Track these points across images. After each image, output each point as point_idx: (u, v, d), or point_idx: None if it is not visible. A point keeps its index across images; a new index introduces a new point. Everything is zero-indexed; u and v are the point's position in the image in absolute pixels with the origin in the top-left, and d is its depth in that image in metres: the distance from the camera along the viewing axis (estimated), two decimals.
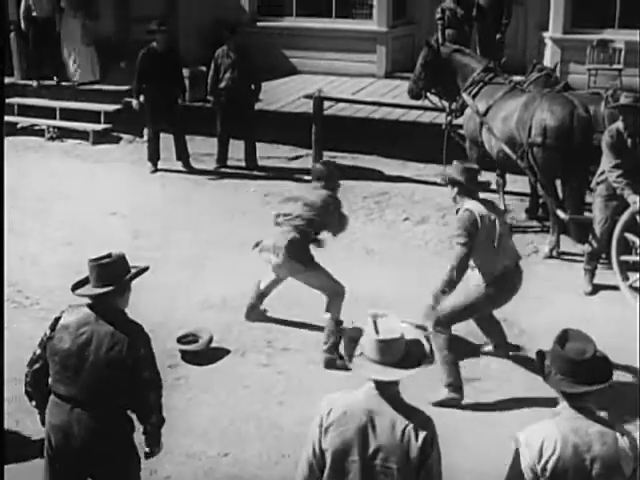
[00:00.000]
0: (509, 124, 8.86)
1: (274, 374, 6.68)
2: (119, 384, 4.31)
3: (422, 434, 3.58)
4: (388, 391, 3.63)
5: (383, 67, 14.30)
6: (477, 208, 6.08)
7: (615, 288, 7.88)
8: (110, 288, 4.33)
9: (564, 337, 3.60)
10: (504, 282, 6.20)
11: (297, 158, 12.04)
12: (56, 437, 4.39)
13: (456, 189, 6.16)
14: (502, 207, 9.70)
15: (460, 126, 9.85)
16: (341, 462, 3.62)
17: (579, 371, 3.53)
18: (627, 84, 11.95)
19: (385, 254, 8.94)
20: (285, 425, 6.00)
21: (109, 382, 4.29)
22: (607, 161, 7.77)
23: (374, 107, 12.06)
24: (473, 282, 6.24)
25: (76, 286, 4.46)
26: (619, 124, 7.80)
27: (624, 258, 7.82)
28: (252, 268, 8.45)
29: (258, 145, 11.77)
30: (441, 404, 6.10)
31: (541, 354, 3.69)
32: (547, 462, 3.47)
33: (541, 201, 9.58)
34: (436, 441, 3.64)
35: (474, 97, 9.36)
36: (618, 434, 3.51)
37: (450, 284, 6.13)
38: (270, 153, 12.11)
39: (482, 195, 6.32)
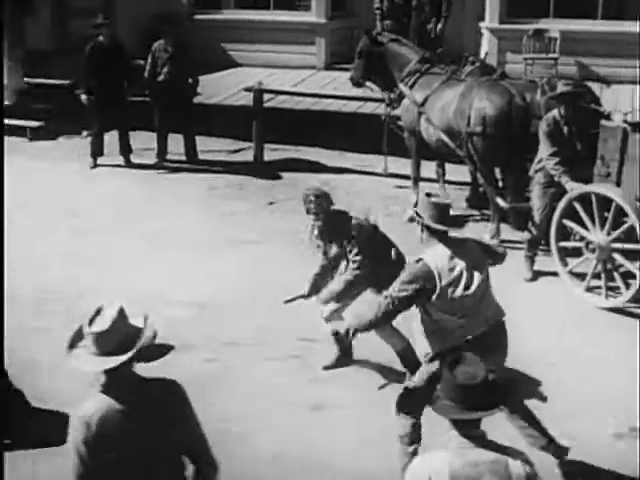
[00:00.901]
0: (447, 113, 8.94)
1: (221, 369, 6.67)
2: None
3: (173, 399, 3.70)
4: (119, 377, 3.66)
5: (323, 59, 14.31)
6: (436, 259, 4.99)
7: (555, 274, 8.01)
8: None
9: (455, 361, 3.46)
10: (480, 346, 4.84)
11: (238, 151, 12.01)
12: None
13: (421, 227, 5.13)
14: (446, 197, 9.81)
15: (399, 117, 9.90)
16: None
17: (468, 397, 3.37)
18: (563, 73, 12.13)
19: None
20: (233, 419, 5.99)
21: None
22: (544, 149, 7.89)
23: (315, 99, 12.07)
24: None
25: None
26: (555, 112, 7.92)
27: (563, 244, 7.95)
28: (196, 262, 8.47)
29: (199, 139, 11.71)
30: None
31: (435, 378, 3.54)
32: None
33: (481, 190, 9.69)
34: (185, 395, 3.77)
35: (411, 87, 9.41)
36: (510, 460, 3.36)
37: (364, 329, 5.25)
38: (211, 146, 12.05)
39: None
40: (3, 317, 5.56)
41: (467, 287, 4.95)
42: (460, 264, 4.96)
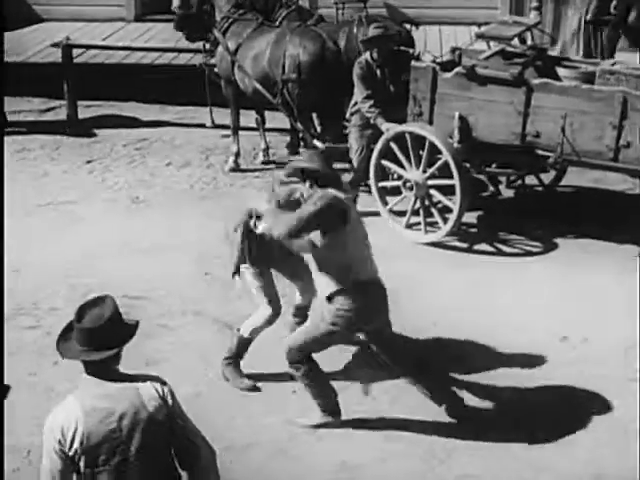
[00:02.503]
0: (261, 62, 8.89)
1: (44, 335, 6.46)
2: None
3: None
4: None
5: (132, 10, 13.88)
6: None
7: (377, 214, 8.18)
8: None
9: (82, 309, 3.46)
10: (365, 296, 5.13)
11: (50, 110, 11.55)
12: None
13: (310, 182, 5.14)
14: (263, 145, 9.80)
15: (214, 65, 9.75)
16: None
17: (95, 338, 3.40)
18: (373, 15, 12.27)
19: (151, 201, 8.81)
20: (60, 384, 5.84)
21: None
22: (359, 92, 8.01)
23: (127, 52, 11.74)
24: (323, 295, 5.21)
25: None
26: (367, 56, 8.03)
27: (382, 184, 8.13)
28: (12, 227, 8.10)
29: (8, 99, 11.14)
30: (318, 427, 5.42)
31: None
32: (73, 441, 3.32)
33: (301, 135, 9.74)
34: None
35: (224, 34, 9.28)
36: (141, 384, 3.44)
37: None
38: (21, 107, 11.53)
39: None
40: (3, 317, 5.51)
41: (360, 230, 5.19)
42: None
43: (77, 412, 3.34)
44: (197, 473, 3.49)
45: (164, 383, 3.50)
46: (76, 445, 3.32)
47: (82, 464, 3.35)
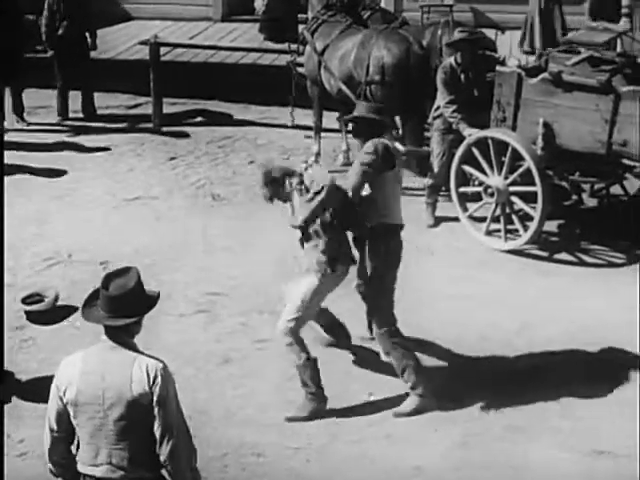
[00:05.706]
0: (347, 63, 8.92)
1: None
2: None
3: None
4: None
5: (219, 10, 14.08)
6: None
7: (456, 219, 8.15)
8: None
9: (108, 278, 3.65)
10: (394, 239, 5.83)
11: (137, 106, 11.77)
12: None
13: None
14: (344, 146, 9.83)
15: (301, 65, 9.83)
16: None
17: (118, 306, 3.60)
18: (458, 19, 12.20)
19: (231, 199, 8.93)
20: None
21: None
22: (442, 97, 7.98)
23: (212, 51, 11.92)
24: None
25: None
26: (452, 60, 8.01)
27: (463, 190, 8.09)
28: (100, 221, 8.34)
29: (96, 95, 11.42)
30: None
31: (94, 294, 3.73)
32: (66, 392, 3.61)
33: None
34: None
35: (312, 34, 9.36)
36: (138, 363, 3.58)
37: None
38: (109, 102, 11.78)
39: None
40: (3, 315, 5.61)
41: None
42: None
43: (78, 368, 3.61)
44: (170, 466, 3.61)
45: (162, 368, 3.61)
46: (68, 397, 3.61)
47: (71, 415, 3.64)
